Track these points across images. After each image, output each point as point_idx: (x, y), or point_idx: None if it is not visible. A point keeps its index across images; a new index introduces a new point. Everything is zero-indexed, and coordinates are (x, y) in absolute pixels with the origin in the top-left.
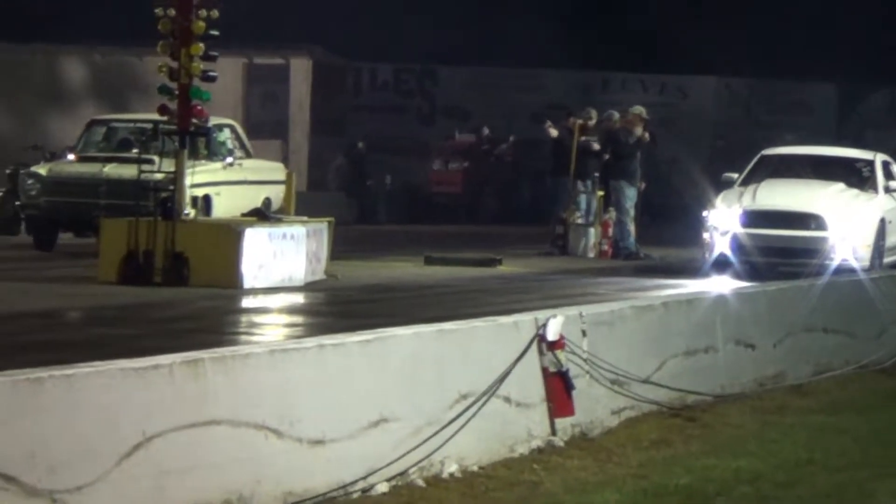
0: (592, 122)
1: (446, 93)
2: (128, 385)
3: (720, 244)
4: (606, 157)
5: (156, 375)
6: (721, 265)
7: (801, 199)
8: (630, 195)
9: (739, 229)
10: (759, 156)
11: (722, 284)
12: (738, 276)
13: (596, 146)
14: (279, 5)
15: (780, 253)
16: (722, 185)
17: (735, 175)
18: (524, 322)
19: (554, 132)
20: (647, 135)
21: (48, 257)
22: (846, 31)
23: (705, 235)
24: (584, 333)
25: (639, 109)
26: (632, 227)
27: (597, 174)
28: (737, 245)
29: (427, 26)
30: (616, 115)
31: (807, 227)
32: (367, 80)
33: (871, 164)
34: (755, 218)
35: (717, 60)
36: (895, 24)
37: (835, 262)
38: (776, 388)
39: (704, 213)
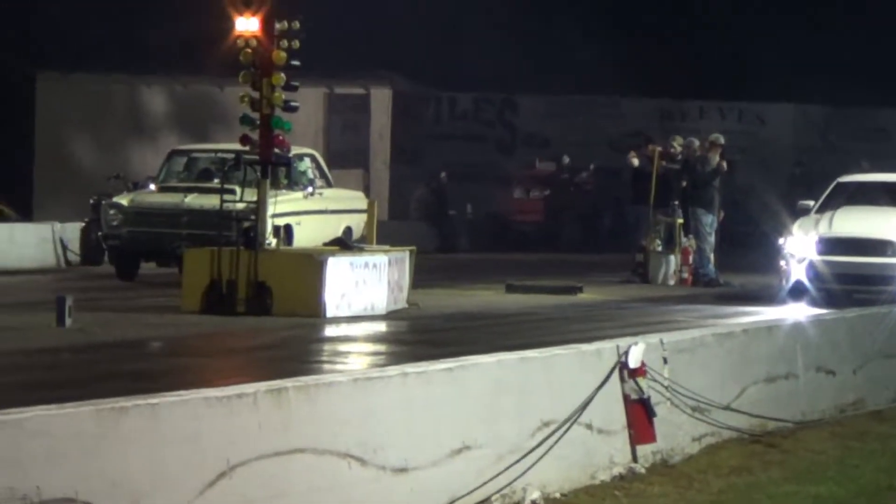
0: (677, 150)
1: (526, 121)
2: (212, 414)
3: (797, 271)
4: (684, 184)
5: (240, 404)
6: (797, 292)
7: (876, 226)
8: (708, 222)
9: (816, 256)
10: (834, 183)
11: (798, 311)
12: (814, 303)
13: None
14: (359, 35)
15: (857, 280)
16: (798, 213)
17: (811, 202)
18: (606, 350)
19: (636, 161)
20: (724, 163)
21: (131, 287)
22: None
23: (782, 263)
24: (664, 360)
25: (715, 137)
26: (711, 255)
27: (676, 202)
28: (813, 272)
29: (506, 55)
30: (696, 142)
31: (883, 254)
32: (447, 109)
33: None
34: (831, 245)
35: (794, 87)
36: None
37: None
38: (856, 415)
39: (781, 241)
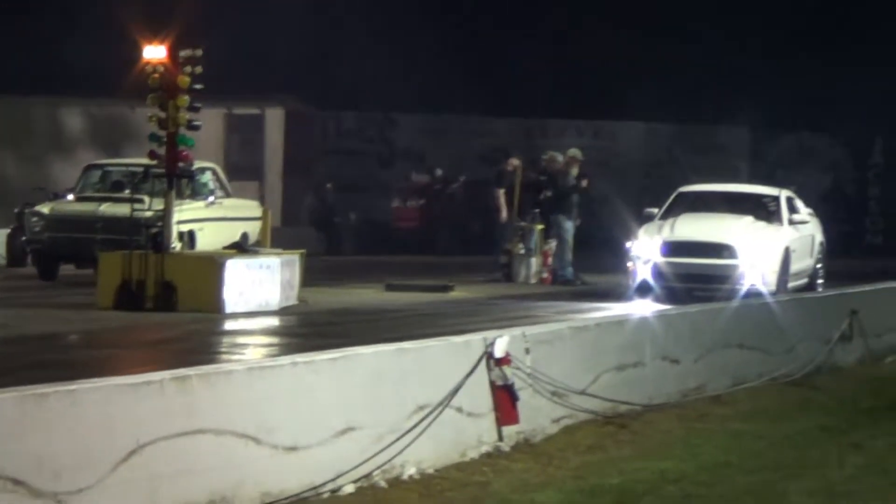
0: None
1: (403, 138)
2: (123, 399)
3: (643, 271)
4: (549, 194)
5: (148, 390)
6: (644, 290)
7: (714, 230)
8: (568, 228)
9: (660, 258)
10: (676, 192)
11: (645, 307)
12: (658, 300)
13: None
14: (255, 60)
15: (696, 279)
16: (644, 219)
17: (655, 210)
18: (474, 341)
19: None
20: (584, 182)
21: (51, 287)
22: (757, 80)
23: (629, 264)
24: (527, 351)
25: (574, 152)
26: (569, 257)
27: (537, 210)
28: (657, 272)
29: (385, 78)
30: (560, 156)
31: (719, 256)
32: (333, 127)
33: (776, 199)
34: (673, 248)
35: (642, 108)
36: (799, 75)
37: (745, 287)
38: (698, 399)
39: (628, 244)
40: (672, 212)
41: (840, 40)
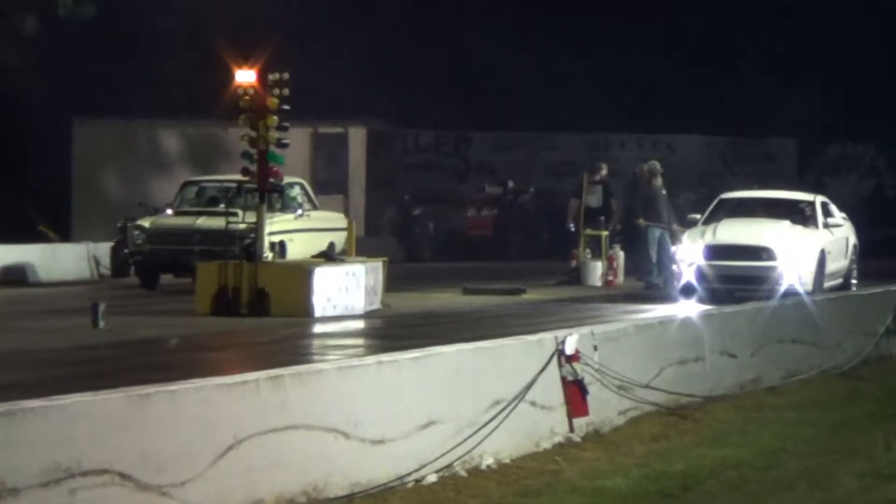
0: (603, 174)
1: (478, 153)
2: (221, 398)
3: (687, 274)
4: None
5: (244, 389)
6: (688, 291)
7: (753, 234)
8: (655, 236)
9: (703, 261)
10: (718, 199)
11: (689, 307)
12: (701, 300)
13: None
14: (339, 83)
15: (737, 280)
16: (688, 225)
17: (699, 216)
18: (546, 340)
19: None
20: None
21: (152, 295)
22: (805, 92)
23: (674, 267)
24: (595, 348)
25: (652, 165)
26: (654, 262)
27: (603, 218)
28: (700, 274)
29: (461, 98)
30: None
31: (759, 258)
32: (412, 143)
33: (812, 204)
34: (715, 251)
35: (699, 121)
36: (843, 85)
37: (783, 288)
38: (754, 390)
39: (674, 249)
40: (714, 217)
41: (886, 53)
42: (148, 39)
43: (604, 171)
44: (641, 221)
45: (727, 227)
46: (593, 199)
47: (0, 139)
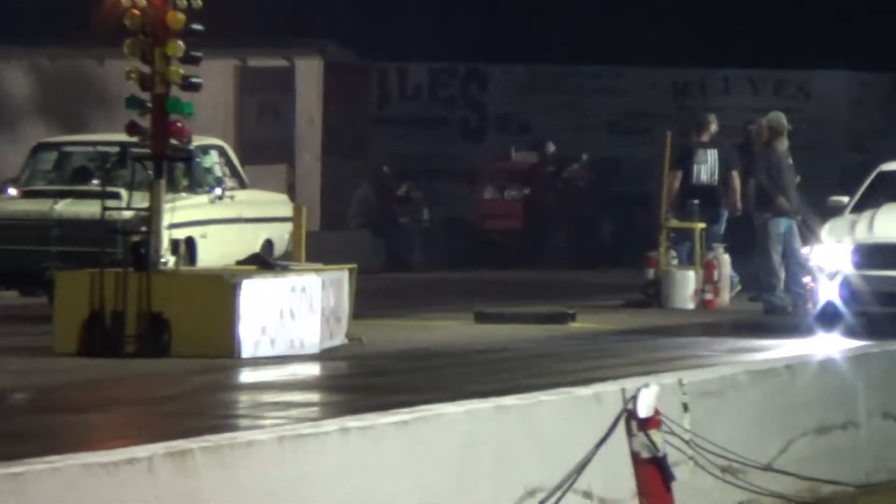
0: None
1: (498, 99)
2: (93, 485)
3: (827, 290)
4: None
5: (131, 472)
6: (829, 318)
7: None
8: (780, 231)
9: (851, 270)
10: (875, 172)
11: (830, 342)
12: (851, 332)
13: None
14: None
15: None
16: (829, 212)
17: (845, 199)
18: (607, 394)
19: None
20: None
21: None
22: None
23: (807, 280)
24: (685, 407)
25: (776, 118)
26: (779, 272)
27: (696, 201)
28: (848, 291)
29: (472, 15)
30: (764, 122)
31: None
32: (395, 84)
33: None
34: (872, 254)
35: (848, 49)
36: None
37: None
38: None
39: (806, 251)
40: (870, 201)
41: None
42: None
43: (714, 127)
44: (783, 201)
45: (891, 217)
46: (703, 170)
47: None
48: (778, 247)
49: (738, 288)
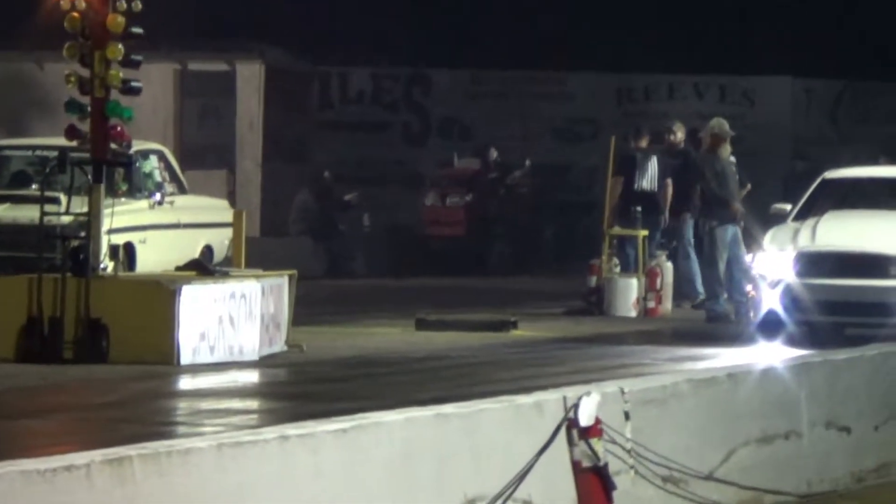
0: (678, 139)
1: (441, 105)
2: (31, 492)
3: (769, 298)
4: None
5: (68, 480)
6: (770, 326)
7: (874, 237)
8: (726, 238)
9: (794, 278)
10: (819, 180)
11: (775, 352)
12: (792, 340)
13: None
14: None
15: (850, 310)
16: (772, 220)
17: (788, 206)
18: (549, 402)
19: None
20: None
21: None
22: None
23: (749, 287)
24: (626, 416)
25: (718, 124)
26: (723, 280)
27: (638, 208)
28: (790, 299)
29: (415, 22)
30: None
31: (883, 275)
32: (337, 89)
33: None
34: (814, 263)
35: (793, 56)
36: None
37: None
38: (880, 484)
39: (749, 258)
40: (813, 209)
41: None
42: None
43: (680, 135)
44: (738, 207)
45: (833, 226)
46: (645, 176)
47: None
48: (724, 255)
49: (701, 298)
